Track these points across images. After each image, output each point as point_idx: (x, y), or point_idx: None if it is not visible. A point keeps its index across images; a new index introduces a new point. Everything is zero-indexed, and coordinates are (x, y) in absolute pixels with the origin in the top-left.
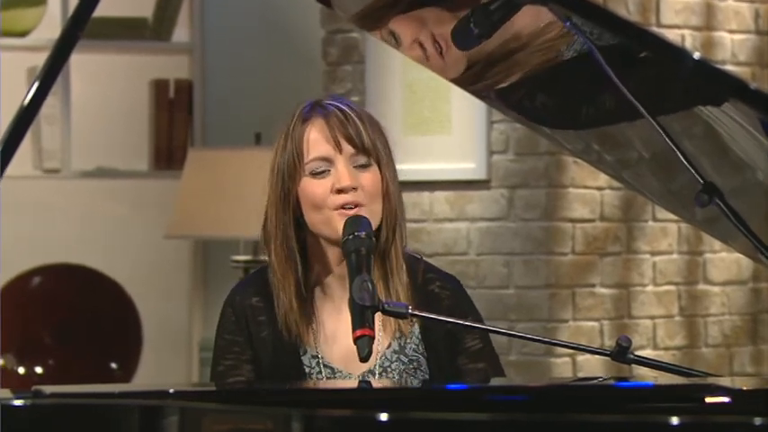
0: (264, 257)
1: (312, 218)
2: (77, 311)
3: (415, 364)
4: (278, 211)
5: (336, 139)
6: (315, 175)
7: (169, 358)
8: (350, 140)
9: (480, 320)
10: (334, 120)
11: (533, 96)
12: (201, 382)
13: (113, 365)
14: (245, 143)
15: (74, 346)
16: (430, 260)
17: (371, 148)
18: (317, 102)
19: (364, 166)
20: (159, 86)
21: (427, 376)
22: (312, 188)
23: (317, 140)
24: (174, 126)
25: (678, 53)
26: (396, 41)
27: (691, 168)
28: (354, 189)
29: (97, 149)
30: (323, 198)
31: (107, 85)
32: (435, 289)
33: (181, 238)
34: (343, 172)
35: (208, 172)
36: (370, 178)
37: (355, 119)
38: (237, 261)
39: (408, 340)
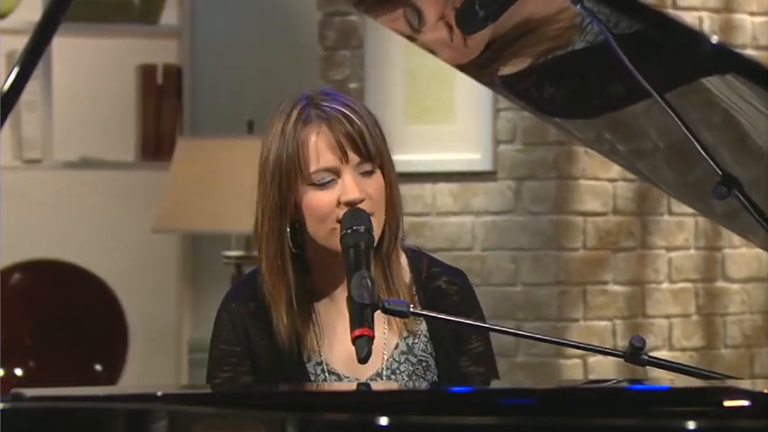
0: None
1: (315, 229)
2: (59, 310)
3: (424, 365)
4: (272, 220)
5: (343, 149)
6: (319, 186)
7: (157, 359)
8: (356, 149)
9: (483, 319)
10: (338, 126)
11: (544, 86)
12: (192, 385)
13: (98, 367)
14: (237, 132)
15: (56, 347)
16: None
17: (375, 153)
18: (314, 102)
19: (369, 173)
20: (146, 72)
21: (436, 378)
22: (317, 201)
23: (323, 150)
24: (163, 114)
25: (695, 37)
26: (419, 20)
27: (708, 159)
28: (362, 200)
29: (80, 138)
30: (329, 211)
31: (91, 71)
32: (442, 284)
33: (169, 233)
34: (351, 184)
35: (198, 162)
36: (375, 186)
37: (359, 123)
38: (229, 257)
39: (416, 339)
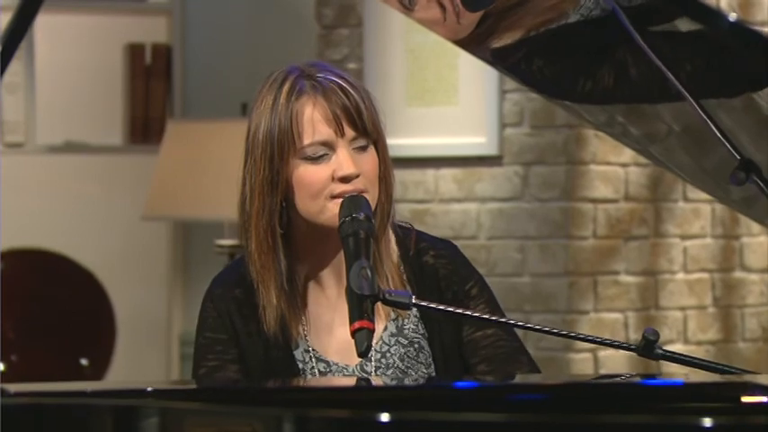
0: None
1: (306, 206)
2: (43, 302)
3: (416, 346)
4: (263, 195)
5: (339, 121)
6: (312, 160)
7: (146, 353)
8: (352, 123)
9: (483, 282)
10: (335, 98)
11: (534, 60)
12: (183, 380)
13: (83, 361)
14: (230, 114)
15: (39, 341)
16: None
17: (371, 128)
18: (307, 73)
19: (363, 148)
20: (134, 51)
21: (431, 359)
22: (310, 175)
23: (318, 122)
24: (151, 95)
25: (712, 15)
26: (409, 1)
27: (726, 143)
28: (357, 176)
29: (65, 121)
30: (322, 187)
31: (76, 50)
32: (429, 260)
33: (159, 220)
34: (345, 159)
35: (189, 146)
36: (370, 162)
37: (356, 96)
38: (222, 246)
39: (406, 321)
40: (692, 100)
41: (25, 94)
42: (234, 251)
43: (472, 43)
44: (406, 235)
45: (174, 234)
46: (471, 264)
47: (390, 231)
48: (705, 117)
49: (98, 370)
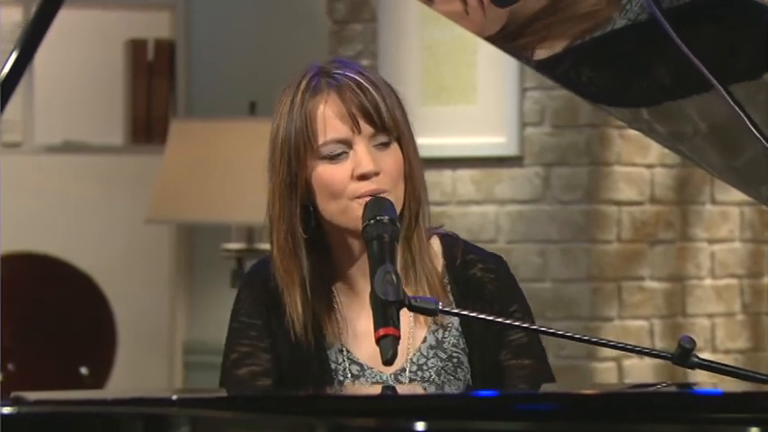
0: (262, 245)
1: (328, 207)
2: (41, 308)
3: (455, 361)
4: (282, 198)
5: (354, 118)
6: (330, 159)
7: (148, 362)
8: (368, 118)
9: (527, 307)
10: (349, 94)
11: (583, 71)
12: (206, 388)
13: (83, 370)
14: (237, 113)
15: (37, 348)
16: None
17: (392, 124)
18: (325, 70)
19: (385, 145)
20: (136, 47)
21: (469, 375)
22: (329, 175)
23: (331, 119)
24: (154, 93)
25: (759, 10)
26: None
27: (766, 143)
28: (377, 174)
29: (64, 120)
30: (342, 186)
31: (76, 46)
32: (477, 272)
33: (163, 223)
34: (364, 156)
35: (194, 146)
36: (392, 160)
37: (372, 90)
38: (229, 250)
39: (447, 333)
40: (730, 100)
41: (23, 92)
42: (242, 255)
43: (502, 41)
44: (453, 244)
45: (179, 238)
46: (518, 284)
47: (437, 239)
48: (745, 118)
49: (98, 378)
